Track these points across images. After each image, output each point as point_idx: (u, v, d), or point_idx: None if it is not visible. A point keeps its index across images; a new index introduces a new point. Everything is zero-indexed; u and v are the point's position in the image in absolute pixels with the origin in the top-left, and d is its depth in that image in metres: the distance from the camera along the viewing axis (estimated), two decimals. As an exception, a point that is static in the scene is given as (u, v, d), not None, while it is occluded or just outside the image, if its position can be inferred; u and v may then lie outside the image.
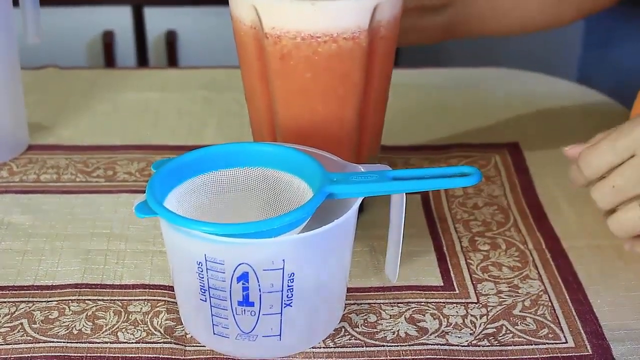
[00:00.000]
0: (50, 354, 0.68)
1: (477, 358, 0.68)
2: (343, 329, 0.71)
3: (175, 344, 0.69)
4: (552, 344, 0.69)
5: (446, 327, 0.71)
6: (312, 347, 0.69)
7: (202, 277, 0.65)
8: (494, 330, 0.71)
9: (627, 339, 0.70)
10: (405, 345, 0.69)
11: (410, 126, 1.00)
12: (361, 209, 0.69)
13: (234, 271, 0.64)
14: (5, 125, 0.92)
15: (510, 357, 0.68)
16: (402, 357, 0.68)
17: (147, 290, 0.75)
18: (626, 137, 0.67)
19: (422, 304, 0.74)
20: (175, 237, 0.65)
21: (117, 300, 0.74)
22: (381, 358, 0.68)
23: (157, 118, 1.02)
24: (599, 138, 0.70)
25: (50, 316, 0.72)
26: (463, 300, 0.74)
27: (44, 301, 0.74)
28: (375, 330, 0.71)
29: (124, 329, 0.71)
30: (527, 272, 0.77)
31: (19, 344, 0.69)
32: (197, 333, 0.70)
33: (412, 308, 0.73)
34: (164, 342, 0.69)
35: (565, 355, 0.68)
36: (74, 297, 0.74)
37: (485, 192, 0.88)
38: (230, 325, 0.66)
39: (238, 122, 0.98)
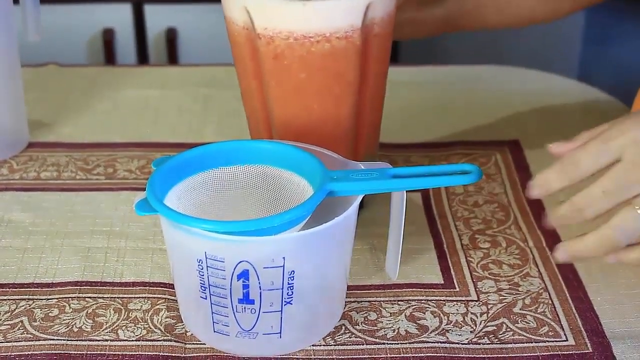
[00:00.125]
0: (50, 352, 0.68)
1: (477, 356, 0.68)
2: (343, 327, 0.71)
3: (175, 341, 0.69)
4: (553, 341, 0.69)
5: (446, 324, 0.71)
6: (313, 345, 0.69)
7: (203, 275, 0.65)
8: (494, 328, 0.71)
9: (627, 336, 0.70)
10: (406, 343, 0.69)
11: (410, 124, 1.00)
12: (361, 206, 0.69)
13: (234, 269, 0.64)
14: (5, 122, 0.92)
15: (510, 355, 0.68)
16: (402, 355, 0.68)
17: (147, 287, 0.75)
18: (617, 138, 0.65)
19: (423, 301, 0.74)
20: (176, 235, 0.65)
21: (118, 297, 0.74)
22: (381, 356, 0.68)
23: (157, 115, 1.01)
24: (585, 136, 0.68)
25: (50, 314, 0.72)
26: (463, 298, 0.74)
27: (44, 299, 0.74)
28: (375, 328, 0.71)
29: (124, 327, 0.71)
30: (528, 269, 0.77)
31: (19, 341, 0.69)
32: (198, 331, 0.70)
33: (412, 306, 0.73)
34: (164, 340, 0.69)
35: (565, 353, 0.68)
36: (74, 295, 0.74)
37: (485, 189, 0.88)
38: (231, 322, 0.66)
39: (238, 119, 0.98)
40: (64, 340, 0.69)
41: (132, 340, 0.69)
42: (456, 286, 0.75)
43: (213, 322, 0.67)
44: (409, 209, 0.73)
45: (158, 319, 0.71)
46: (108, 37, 1.74)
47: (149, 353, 0.68)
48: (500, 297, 0.74)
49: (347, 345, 0.69)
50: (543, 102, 1.04)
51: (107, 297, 0.74)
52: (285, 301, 0.65)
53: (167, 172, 0.69)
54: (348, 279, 0.72)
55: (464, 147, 0.95)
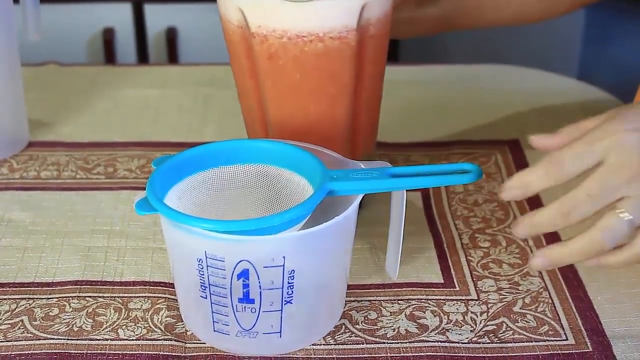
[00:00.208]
0: (50, 351, 0.68)
1: (478, 355, 0.68)
2: (343, 326, 0.71)
3: (175, 341, 0.69)
4: (553, 341, 0.69)
5: (446, 324, 0.71)
6: (313, 344, 0.69)
7: (203, 274, 0.65)
8: (494, 327, 0.71)
9: (627, 335, 0.70)
10: (406, 342, 0.69)
11: (410, 123, 1.00)
12: (361, 205, 0.69)
13: (235, 268, 0.64)
14: (5, 121, 0.92)
15: (510, 354, 0.68)
16: (402, 354, 0.68)
17: (147, 287, 0.75)
18: (602, 139, 0.63)
19: (423, 301, 0.74)
20: (176, 234, 0.65)
21: (118, 297, 0.74)
22: (381, 355, 0.68)
23: (157, 115, 1.01)
24: (569, 131, 0.67)
25: (50, 313, 0.72)
26: (463, 297, 0.74)
27: (44, 298, 0.74)
28: (375, 327, 0.71)
29: (124, 326, 0.71)
30: (528, 269, 0.77)
31: (19, 340, 0.69)
32: (198, 330, 0.70)
33: (412, 305, 0.73)
34: (164, 339, 0.69)
35: (565, 352, 0.68)
36: (74, 294, 0.74)
37: (485, 189, 0.88)
38: (231, 322, 0.66)
39: (238, 119, 0.98)
40: (64, 339, 0.69)
41: (132, 340, 0.69)
42: (456, 285, 0.75)
43: (213, 322, 0.67)
44: (408, 208, 0.73)
45: (158, 319, 0.71)
46: (108, 37, 1.74)
47: (149, 352, 0.68)
48: (500, 296, 0.74)
49: (347, 344, 0.69)
50: (543, 102, 1.04)
51: (107, 297, 0.74)
52: (285, 300, 0.65)
53: (167, 172, 0.69)
54: (348, 278, 0.72)
55: (463, 147, 0.95)
